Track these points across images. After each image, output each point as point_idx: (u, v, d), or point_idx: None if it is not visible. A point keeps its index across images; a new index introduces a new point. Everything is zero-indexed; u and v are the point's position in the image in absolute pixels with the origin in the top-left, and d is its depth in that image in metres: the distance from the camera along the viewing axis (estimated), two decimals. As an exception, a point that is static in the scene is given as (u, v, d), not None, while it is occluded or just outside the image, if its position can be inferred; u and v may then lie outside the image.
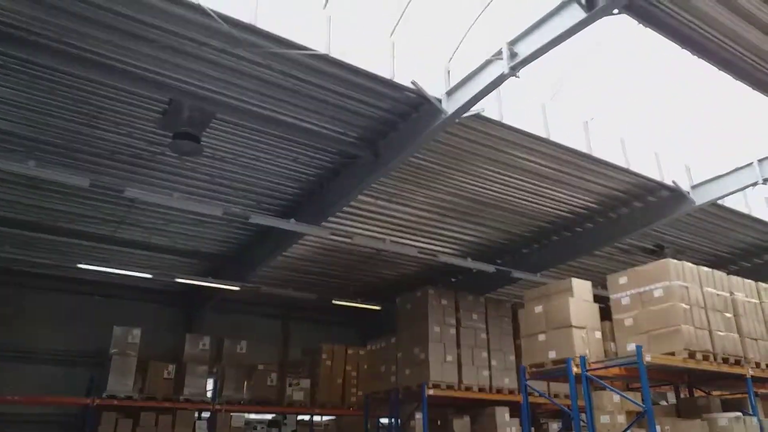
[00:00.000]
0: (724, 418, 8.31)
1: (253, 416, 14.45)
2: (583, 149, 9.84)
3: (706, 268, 9.37)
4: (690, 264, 9.16)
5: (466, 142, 9.42)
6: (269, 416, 14.75)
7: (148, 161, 9.60)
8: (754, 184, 10.31)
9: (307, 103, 8.42)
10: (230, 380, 13.96)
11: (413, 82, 8.09)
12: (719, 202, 11.29)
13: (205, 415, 13.57)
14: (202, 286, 14.18)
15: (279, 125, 8.78)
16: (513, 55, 7.33)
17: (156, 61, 7.48)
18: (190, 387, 13.30)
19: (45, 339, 13.81)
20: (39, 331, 13.79)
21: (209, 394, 13.65)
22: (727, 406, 9.13)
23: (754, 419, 8.57)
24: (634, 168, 10.50)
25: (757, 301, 9.82)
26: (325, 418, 15.51)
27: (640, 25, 7.30)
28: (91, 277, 14.27)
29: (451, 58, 8.54)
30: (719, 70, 8.30)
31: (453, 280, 15.40)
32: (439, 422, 12.32)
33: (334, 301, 15.03)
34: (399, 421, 12.05)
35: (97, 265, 12.38)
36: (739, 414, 8.53)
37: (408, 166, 9.93)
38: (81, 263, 12.18)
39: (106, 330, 13.15)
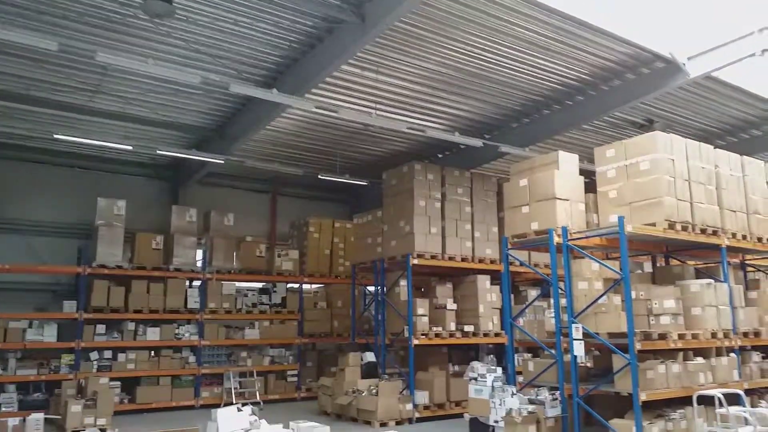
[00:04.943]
0: (696, 284, 8.68)
1: (243, 284, 14.90)
2: (579, 16, 9.34)
3: (693, 142, 9.34)
4: (678, 137, 9.13)
5: (456, 6, 8.87)
6: (259, 285, 15.23)
7: (119, 25, 9.01)
8: (752, 55, 9.97)
9: (286, -41, 7.78)
10: (219, 251, 14.25)
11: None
12: (713, 74, 10.99)
13: (196, 283, 13.98)
14: (187, 159, 14.00)
15: (257, -16, 8.17)
16: None
17: None
18: (180, 257, 13.59)
19: (29, 210, 13.79)
20: (22, 202, 13.75)
21: (199, 264, 13.99)
22: (700, 274, 9.51)
23: (725, 285, 8.97)
24: (631, 37, 10.06)
25: (740, 175, 9.91)
26: (313, 286, 16.10)
27: None
28: (72, 149, 14.01)
29: None
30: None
31: (440, 155, 15.34)
32: (422, 289, 12.84)
33: (320, 176, 14.98)
34: (384, 288, 12.51)
35: (74, 136, 12.05)
36: (711, 280, 8.89)
37: (395, 32, 9.44)
38: (57, 134, 11.83)
39: (90, 202, 13.15)
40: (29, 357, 12.14)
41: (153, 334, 13.05)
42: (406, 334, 11.41)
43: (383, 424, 10.63)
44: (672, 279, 9.20)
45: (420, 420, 11.20)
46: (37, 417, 9.19)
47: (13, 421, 9.04)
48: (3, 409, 11.26)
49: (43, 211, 13.96)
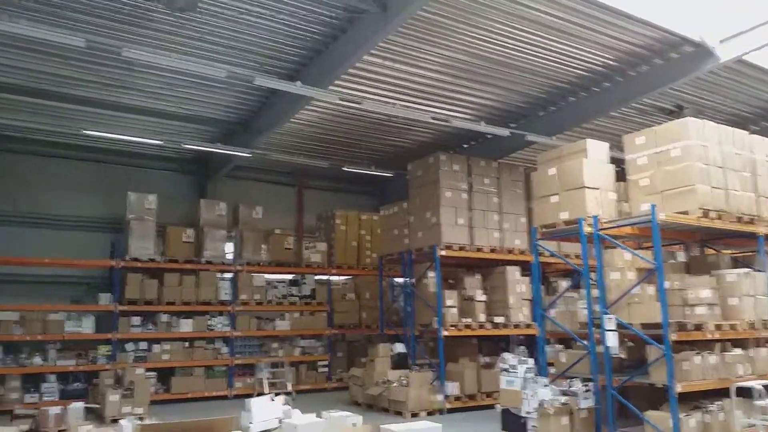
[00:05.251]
0: (732, 274, 8.51)
1: (273, 276, 15.06)
2: (606, 0, 9.17)
3: (727, 127, 9.13)
4: (711, 123, 8.93)
5: (480, -7, 8.79)
6: (288, 277, 15.39)
7: (143, 20, 9.11)
8: (787, 36, 9.69)
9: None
10: (248, 244, 14.43)
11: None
12: (745, 57, 10.71)
13: (227, 275, 14.19)
14: (214, 153, 14.16)
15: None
16: None
17: None
18: (210, 250, 13.80)
19: (62, 205, 14.07)
20: (55, 198, 14.03)
21: (229, 257, 14.18)
22: (737, 263, 9.32)
23: (763, 275, 8.77)
24: (659, 21, 9.85)
25: (776, 160, 9.65)
26: (342, 277, 16.22)
27: None
28: (101, 145, 14.26)
29: None
30: None
31: (465, 146, 15.24)
32: (450, 280, 12.82)
33: (345, 168, 14.99)
34: (413, 280, 12.52)
35: (103, 132, 12.27)
36: (749, 270, 8.71)
37: (418, 21, 9.37)
38: (86, 129, 12.04)
39: (120, 197, 13.40)
40: (68, 348, 12.48)
41: (186, 326, 13.30)
42: (436, 326, 11.43)
43: (414, 415, 10.69)
44: (707, 268, 9.04)
45: (451, 411, 11.24)
46: (77, 406, 9.45)
47: (54, 410, 9.31)
48: (45, 398, 11.60)
49: (76, 206, 14.25)
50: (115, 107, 12.06)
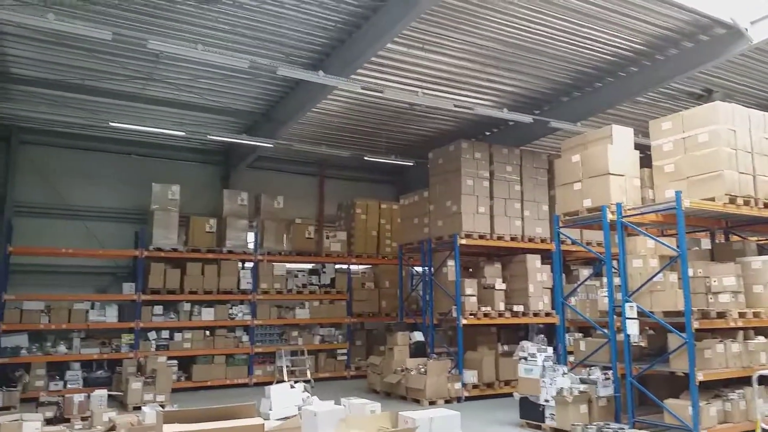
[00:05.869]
0: (758, 261, 8.30)
1: (293, 266, 15.14)
2: (632, -18, 8.98)
3: (757, 112, 8.89)
4: (741, 107, 8.69)
5: (503, -22, 8.65)
6: (309, 266, 15.45)
7: (168, 11, 9.17)
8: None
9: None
10: (270, 233, 14.52)
11: None
12: (779, 39, 10.37)
13: (248, 265, 14.30)
14: (237, 143, 14.26)
15: (300, -36, 8.14)
16: None
17: None
18: (232, 240, 13.91)
19: (88, 196, 14.31)
20: (81, 189, 14.27)
21: (251, 246, 14.28)
22: (763, 250, 9.09)
23: (790, 262, 8.52)
24: (688, 3, 9.58)
25: (808, 146, 9.34)
26: (361, 266, 16.24)
27: None
28: (127, 137, 14.45)
29: None
30: None
31: (488, 133, 15.09)
32: (470, 269, 12.74)
33: (366, 158, 14.98)
34: (432, 268, 12.47)
35: (129, 124, 12.43)
36: (775, 257, 8.49)
37: (442, 8, 9.27)
38: (112, 122, 12.22)
39: (145, 187, 13.57)
40: (92, 336, 12.70)
41: (207, 315, 13.43)
42: (454, 314, 11.38)
43: (432, 403, 10.66)
44: (732, 256, 8.83)
45: (469, 399, 11.19)
46: (100, 393, 9.60)
47: (78, 397, 9.47)
48: (69, 385, 11.83)
49: (102, 197, 14.49)
50: (141, 99, 12.19)
